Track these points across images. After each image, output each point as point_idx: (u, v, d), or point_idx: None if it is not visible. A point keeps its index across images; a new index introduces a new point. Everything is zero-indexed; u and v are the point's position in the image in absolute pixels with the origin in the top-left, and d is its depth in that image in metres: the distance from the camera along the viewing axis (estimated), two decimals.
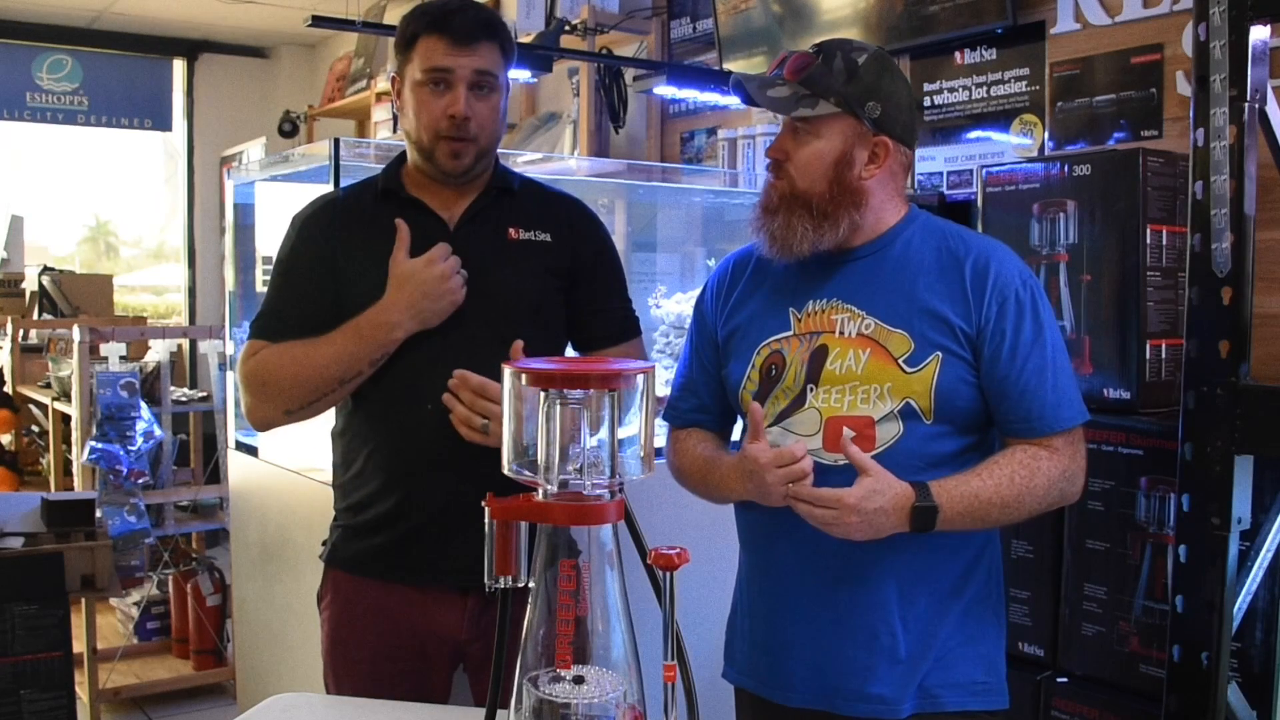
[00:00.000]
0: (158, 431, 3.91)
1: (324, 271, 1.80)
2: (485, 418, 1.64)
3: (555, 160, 3.58)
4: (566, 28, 3.67)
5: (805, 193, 1.58)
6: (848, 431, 1.53)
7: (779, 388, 1.61)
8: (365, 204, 1.84)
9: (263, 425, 1.83)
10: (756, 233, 1.63)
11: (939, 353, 1.54)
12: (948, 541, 1.56)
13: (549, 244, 1.85)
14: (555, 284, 1.85)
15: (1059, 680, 2.18)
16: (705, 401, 1.74)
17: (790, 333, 1.62)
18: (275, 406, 1.77)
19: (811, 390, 1.58)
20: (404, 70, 1.79)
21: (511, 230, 1.83)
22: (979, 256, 1.57)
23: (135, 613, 4.09)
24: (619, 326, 1.92)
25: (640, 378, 1.07)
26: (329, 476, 2.33)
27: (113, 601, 4.17)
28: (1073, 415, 1.56)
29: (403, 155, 1.88)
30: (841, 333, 1.58)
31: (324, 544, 1.91)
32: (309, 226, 1.85)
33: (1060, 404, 1.54)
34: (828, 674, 1.58)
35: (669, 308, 3.08)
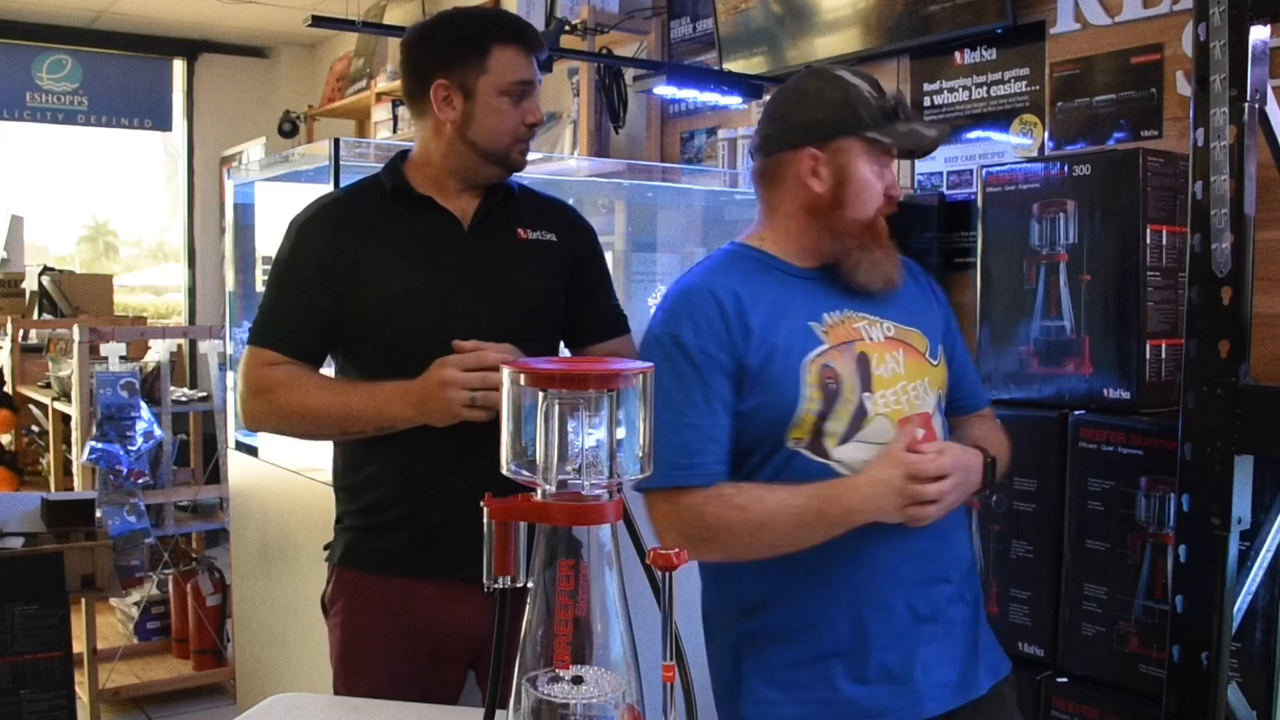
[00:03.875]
0: (158, 431, 3.91)
1: (327, 278, 1.78)
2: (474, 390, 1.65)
3: (555, 160, 3.58)
4: (566, 28, 3.67)
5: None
6: (917, 431, 1.54)
7: (840, 402, 1.53)
8: (372, 204, 1.83)
9: (256, 429, 1.90)
10: (886, 265, 1.61)
11: (942, 344, 1.67)
12: (948, 542, 1.61)
13: (554, 243, 1.89)
14: (560, 283, 1.89)
15: (1059, 680, 2.18)
16: (727, 448, 1.55)
17: (826, 345, 1.56)
18: (273, 424, 1.82)
19: (868, 398, 1.54)
20: (473, 79, 1.78)
21: (520, 230, 1.86)
22: (915, 266, 1.75)
23: (135, 613, 4.09)
24: (611, 323, 1.98)
25: (640, 378, 1.06)
26: (329, 476, 2.33)
27: (113, 601, 4.17)
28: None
29: (401, 155, 1.88)
30: (870, 338, 1.59)
31: (326, 548, 1.90)
32: (309, 230, 1.82)
33: (979, 380, 1.82)
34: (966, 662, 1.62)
35: None
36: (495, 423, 1.62)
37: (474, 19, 1.82)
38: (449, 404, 1.65)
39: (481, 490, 1.74)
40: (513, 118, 1.81)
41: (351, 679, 1.81)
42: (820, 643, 1.54)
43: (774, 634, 1.56)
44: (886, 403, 1.55)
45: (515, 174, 1.93)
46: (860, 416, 1.54)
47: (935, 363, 1.63)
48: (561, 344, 1.99)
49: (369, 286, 1.77)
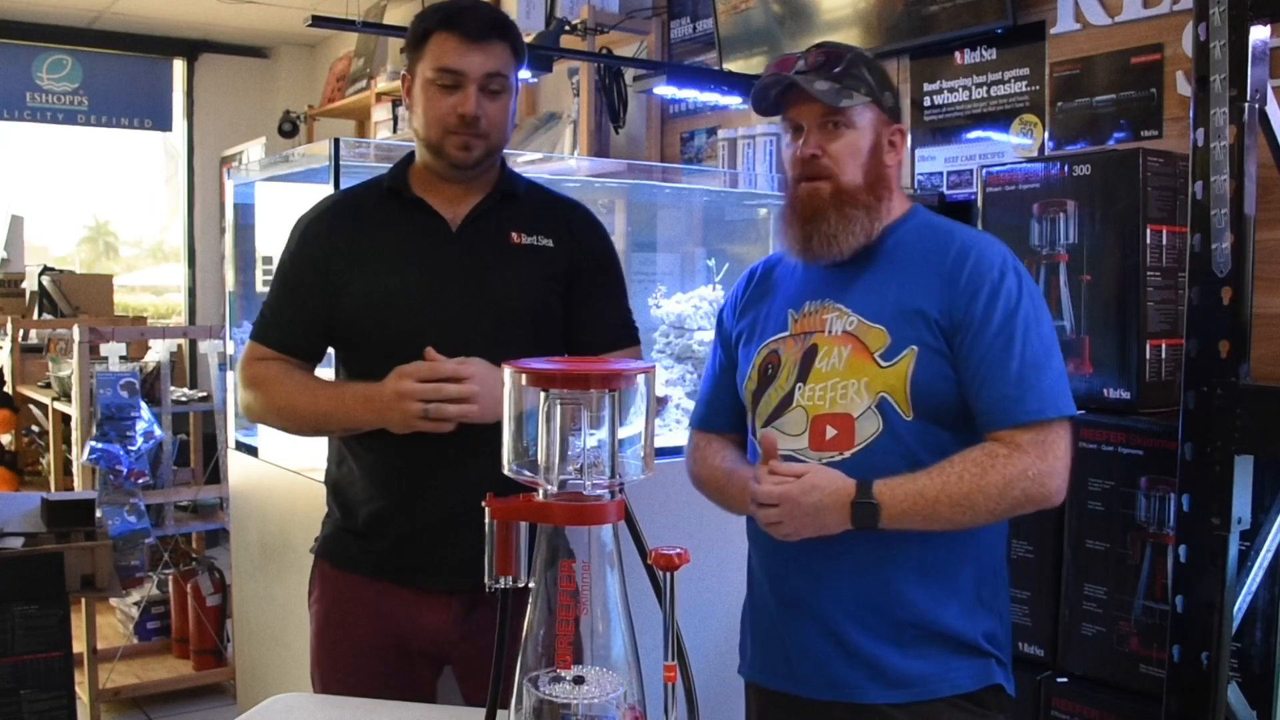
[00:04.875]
0: (158, 431, 3.91)
1: (318, 278, 1.81)
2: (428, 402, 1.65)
3: (555, 160, 3.58)
4: (566, 28, 3.67)
5: (849, 186, 1.59)
6: (771, 434, 1.58)
7: (773, 387, 1.64)
8: (368, 203, 1.85)
9: (252, 421, 1.93)
10: (797, 241, 1.62)
11: (915, 346, 1.54)
12: (945, 538, 1.56)
13: (550, 249, 1.84)
14: (554, 289, 1.84)
15: (1059, 680, 2.18)
16: (727, 403, 1.77)
17: (787, 333, 1.66)
18: (263, 418, 1.88)
19: (799, 389, 1.61)
20: (415, 68, 1.78)
21: (514, 234, 1.82)
22: (961, 247, 1.57)
23: (135, 613, 4.09)
24: (615, 334, 1.89)
25: (640, 378, 1.06)
26: None
27: (113, 601, 4.16)
28: (1039, 408, 1.49)
29: (411, 154, 1.88)
30: (830, 331, 1.61)
31: (316, 539, 1.92)
32: (309, 231, 1.85)
33: (1024, 396, 1.48)
34: (824, 661, 1.60)
35: (669, 308, 3.07)
36: (470, 432, 1.63)
37: (429, 7, 1.80)
38: (405, 415, 1.65)
39: (448, 504, 1.75)
40: (440, 107, 1.74)
41: (324, 672, 1.86)
42: (751, 597, 1.75)
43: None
44: (811, 397, 1.59)
45: (524, 176, 1.91)
46: (785, 404, 1.62)
47: (886, 364, 1.54)
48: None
49: (355, 285, 1.79)
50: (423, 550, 1.77)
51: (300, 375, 1.83)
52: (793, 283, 1.70)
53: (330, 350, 1.91)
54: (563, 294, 1.85)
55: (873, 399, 1.55)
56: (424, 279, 1.78)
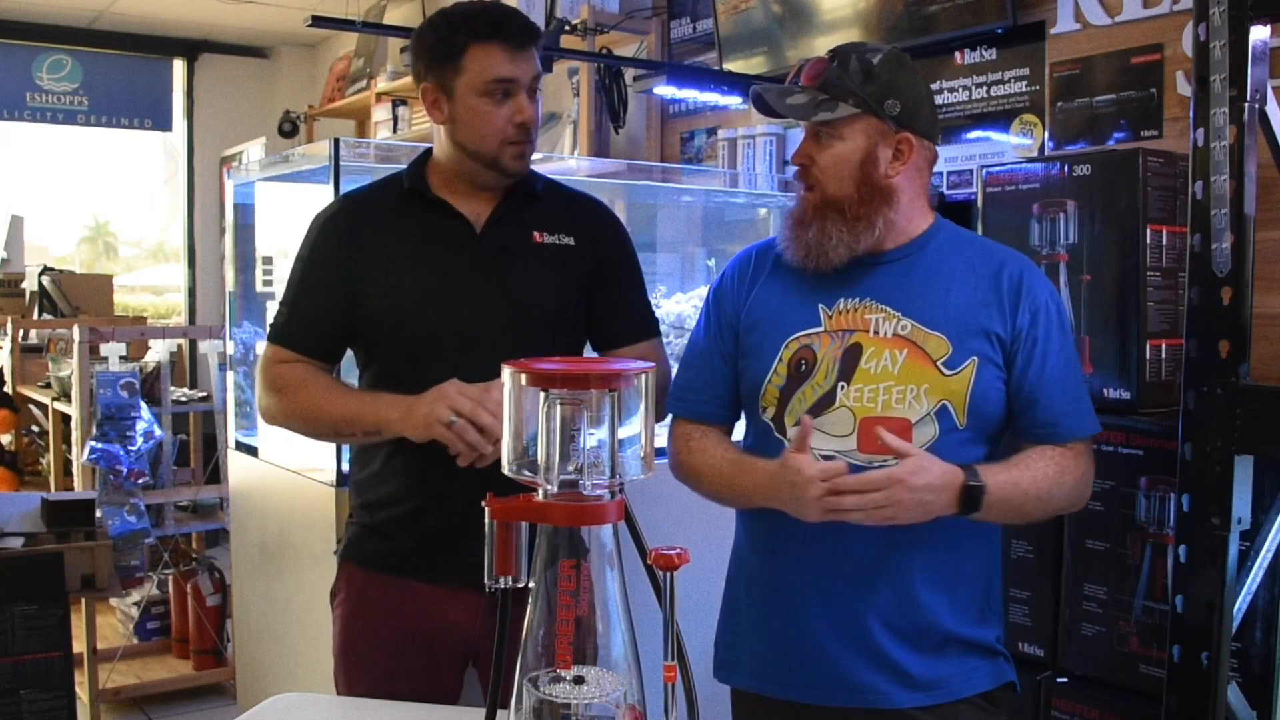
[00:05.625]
0: (158, 431, 3.91)
1: (337, 278, 1.79)
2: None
3: (555, 160, 3.58)
4: (566, 28, 3.67)
5: (835, 197, 1.59)
6: (881, 431, 1.51)
7: (808, 384, 1.60)
8: (388, 204, 1.84)
9: (272, 424, 1.88)
10: (789, 246, 1.63)
11: (976, 357, 1.56)
12: (960, 541, 1.58)
13: (572, 248, 1.84)
14: (577, 288, 1.84)
15: (1059, 680, 2.18)
16: (721, 393, 1.71)
17: (820, 329, 1.61)
18: (284, 422, 1.84)
19: (843, 389, 1.57)
20: (451, 81, 1.75)
21: (536, 234, 1.82)
22: (1013, 268, 1.61)
23: (135, 613, 4.09)
24: (639, 326, 1.90)
25: (641, 378, 1.06)
26: (329, 476, 2.34)
27: (113, 601, 4.17)
28: (1091, 425, 1.63)
29: (425, 154, 1.87)
30: (876, 332, 1.58)
31: (339, 541, 1.92)
32: (327, 228, 1.84)
33: (1081, 413, 1.61)
34: (847, 668, 1.59)
35: (669, 308, 3.08)
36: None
37: (453, 18, 1.77)
38: (432, 411, 1.62)
39: (477, 501, 1.74)
40: (497, 118, 1.74)
41: (350, 673, 1.84)
42: (739, 599, 1.72)
43: (731, 577, 1.76)
44: (859, 398, 1.56)
45: (539, 173, 1.90)
46: (826, 403, 1.58)
47: (950, 373, 1.55)
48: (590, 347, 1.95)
49: (377, 287, 1.78)
50: (453, 547, 1.75)
51: (325, 379, 1.82)
52: (820, 277, 1.63)
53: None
54: (585, 292, 1.85)
55: (933, 405, 1.55)
56: (447, 280, 1.78)
